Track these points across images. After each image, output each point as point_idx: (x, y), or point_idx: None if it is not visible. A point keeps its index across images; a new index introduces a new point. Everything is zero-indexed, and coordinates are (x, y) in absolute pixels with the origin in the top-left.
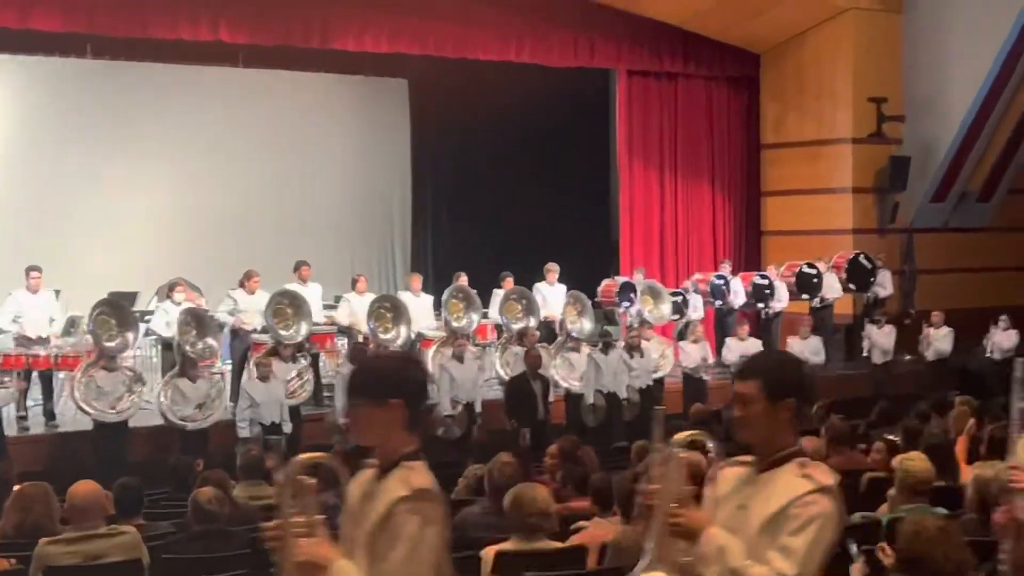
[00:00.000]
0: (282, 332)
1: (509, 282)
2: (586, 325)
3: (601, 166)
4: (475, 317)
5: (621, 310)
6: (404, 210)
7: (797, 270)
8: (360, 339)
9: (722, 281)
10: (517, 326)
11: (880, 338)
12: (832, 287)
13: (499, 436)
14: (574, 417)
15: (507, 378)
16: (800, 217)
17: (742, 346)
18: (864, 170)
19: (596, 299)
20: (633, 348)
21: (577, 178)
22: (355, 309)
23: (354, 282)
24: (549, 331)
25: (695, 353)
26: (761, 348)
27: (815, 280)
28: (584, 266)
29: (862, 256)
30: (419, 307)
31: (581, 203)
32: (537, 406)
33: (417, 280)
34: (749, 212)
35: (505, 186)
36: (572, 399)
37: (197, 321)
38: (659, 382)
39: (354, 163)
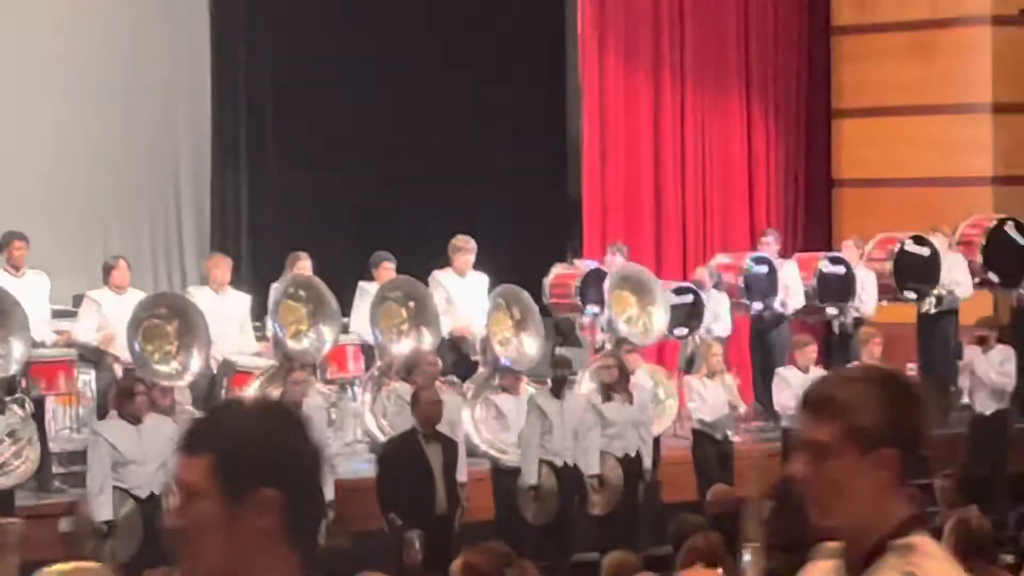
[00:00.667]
0: None
1: (387, 270)
2: (528, 347)
3: (550, 69)
4: (326, 332)
5: (585, 319)
6: (197, 145)
7: (896, 248)
8: (120, 371)
9: (764, 268)
10: (401, 348)
11: None
12: (958, 278)
13: (368, 545)
14: (506, 509)
15: (383, 440)
16: (900, 155)
17: (802, 381)
18: (1016, 72)
19: (543, 300)
20: (610, 387)
21: (510, 87)
22: (108, 317)
23: (107, 271)
24: (460, 357)
25: (716, 396)
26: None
27: (928, 265)
28: (521, 241)
29: (1011, 224)
30: (225, 313)
31: (516, 131)
32: (436, 490)
33: (221, 267)
34: (811, 148)
35: (378, 103)
36: (502, 477)
37: None
38: (654, 446)
39: (107, 61)
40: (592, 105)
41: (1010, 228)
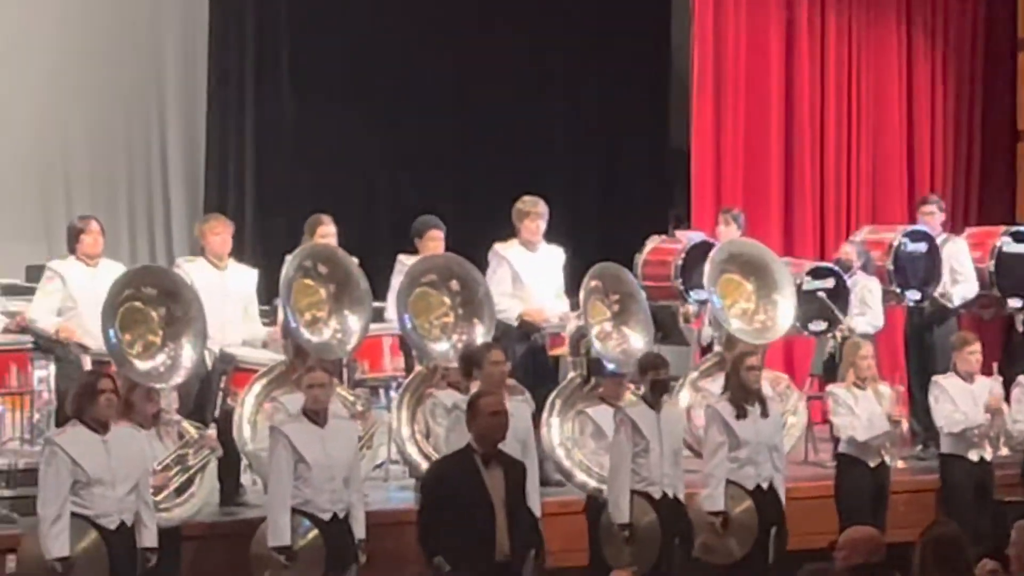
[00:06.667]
0: None
1: (435, 241)
2: (633, 343)
3: None
4: (353, 320)
5: (690, 307)
6: (189, 82)
7: None
8: (88, 363)
9: (924, 246)
10: (446, 346)
11: None
12: None
13: None
14: (595, 550)
15: (423, 464)
16: None
17: (966, 392)
18: None
19: (637, 280)
20: (747, 397)
21: (597, 5)
22: (76, 297)
23: (74, 235)
24: (532, 352)
25: (870, 410)
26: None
27: None
28: (609, 205)
29: None
30: (225, 293)
31: (604, 62)
32: (496, 527)
33: (219, 233)
34: (990, 89)
35: (424, 25)
36: (594, 509)
37: None
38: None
39: None
40: (704, 32)
41: None
